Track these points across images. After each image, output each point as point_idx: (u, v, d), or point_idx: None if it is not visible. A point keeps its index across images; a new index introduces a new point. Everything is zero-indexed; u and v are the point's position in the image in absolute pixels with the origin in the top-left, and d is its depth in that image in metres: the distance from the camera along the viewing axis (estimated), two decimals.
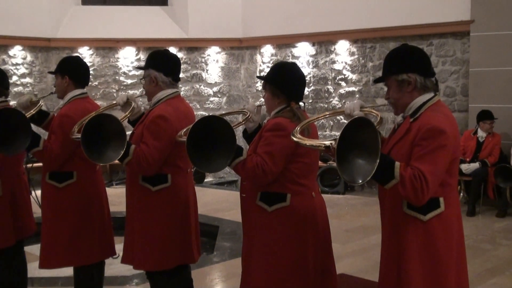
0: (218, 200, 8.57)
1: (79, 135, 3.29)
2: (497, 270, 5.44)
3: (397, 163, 2.44)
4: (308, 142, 2.62)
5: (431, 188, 2.46)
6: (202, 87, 11.37)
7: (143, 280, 4.99)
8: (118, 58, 11.10)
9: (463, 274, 2.70)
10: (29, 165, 4.53)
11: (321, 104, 10.52)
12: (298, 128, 2.74)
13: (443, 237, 2.59)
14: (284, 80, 3.12)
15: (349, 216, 7.86)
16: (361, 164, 2.32)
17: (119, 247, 4.11)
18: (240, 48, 11.47)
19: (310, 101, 10.49)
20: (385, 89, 2.84)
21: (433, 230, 2.58)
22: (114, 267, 5.51)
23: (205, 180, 10.84)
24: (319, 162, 8.74)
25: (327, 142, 2.38)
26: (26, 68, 10.65)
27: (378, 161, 2.27)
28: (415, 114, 2.64)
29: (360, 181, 2.31)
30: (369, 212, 7.84)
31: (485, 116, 7.89)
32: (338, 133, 9.98)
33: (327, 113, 3.22)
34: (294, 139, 2.65)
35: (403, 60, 2.71)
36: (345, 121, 2.36)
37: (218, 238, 6.65)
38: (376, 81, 2.90)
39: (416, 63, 2.69)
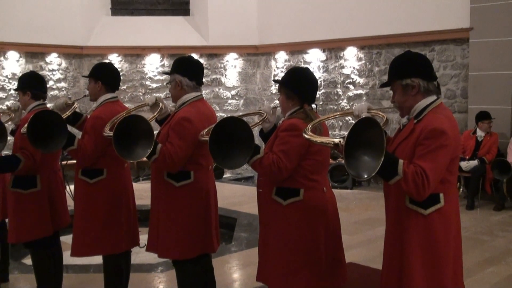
0: (235, 194, 8.60)
1: (110, 133, 3.32)
2: (494, 259, 5.43)
3: (401, 161, 2.45)
4: (318, 139, 2.63)
5: (432, 184, 2.46)
6: (221, 90, 11.39)
7: (168, 268, 5.03)
8: (144, 64, 11.15)
9: (458, 264, 2.71)
10: (64, 162, 4.56)
11: (331, 106, 10.50)
12: (309, 126, 2.74)
13: (442, 230, 2.59)
14: (298, 84, 3.12)
15: (356, 209, 7.85)
16: (367, 160, 2.33)
17: (144, 238, 4.12)
18: (256, 54, 11.48)
19: (321, 103, 10.47)
20: (390, 91, 2.84)
21: (433, 223, 2.58)
22: (141, 255, 5.56)
23: (224, 176, 10.86)
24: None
25: (336, 140, 2.41)
26: (61, 74, 10.74)
27: (383, 158, 2.28)
28: (418, 116, 2.64)
29: (366, 176, 2.32)
30: (375, 205, 7.84)
31: (483, 116, 7.89)
32: (346, 133, 9.93)
33: (337, 113, 3.23)
34: (306, 136, 2.66)
35: (407, 66, 2.70)
36: (353, 122, 2.37)
37: (236, 229, 6.69)
38: (382, 85, 2.89)
39: (419, 68, 2.68)
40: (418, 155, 2.50)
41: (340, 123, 10.27)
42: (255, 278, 3.25)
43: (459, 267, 2.71)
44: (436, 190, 2.54)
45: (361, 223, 6.91)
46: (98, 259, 4.37)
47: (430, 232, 2.58)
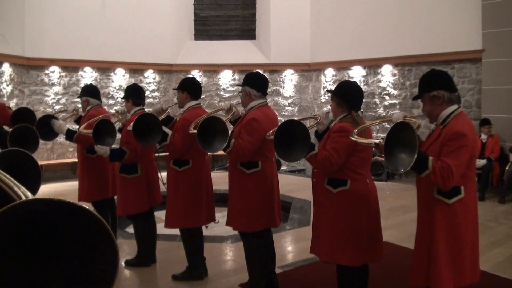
0: (290, 183, 8.54)
1: (195, 131, 3.36)
2: (498, 242, 5.23)
3: (430, 157, 2.47)
4: (362, 140, 2.67)
5: (455, 177, 2.45)
6: (279, 99, 11.36)
7: (236, 240, 5.05)
8: (219, 78, 11.28)
9: (475, 245, 2.67)
10: (156, 154, 4.66)
11: (370, 113, 10.26)
12: (355, 131, 2.74)
13: (463, 217, 2.57)
14: (347, 94, 3.06)
15: (390, 198, 7.62)
16: (403, 157, 2.32)
17: (218, 215, 4.18)
18: (308, 70, 11.37)
19: (362, 111, 10.24)
20: (419, 102, 2.79)
21: (455, 211, 2.56)
22: (215, 229, 5.61)
23: (281, 168, 10.84)
24: None
25: (377, 140, 2.45)
26: (155, 86, 11.01)
27: (416, 155, 2.28)
28: (444, 122, 2.62)
29: (402, 170, 2.34)
30: (406, 195, 7.66)
31: (485, 122, 7.84)
32: (383, 135, 9.77)
33: (379, 120, 3.22)
34: (352, 138, 2.66)
35: (433, 80, 2.69)
36: (388, 126, 2.35)
37: (291, 211, 6.64)
38: (414, 98, 2.86)
39: (443, 82, 2.68)
40: (444, 153, 2.50)
41: (378, 127, 10.03)
42: (306, 250, 3.22)
43: (476, 246, 2.67)
44: (458, 183, 2.53)
45: (394, 209, 6.71)
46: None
47: (453, 218, 2.57)
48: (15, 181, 1.11)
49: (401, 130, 2.28)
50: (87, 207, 0.91)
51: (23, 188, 1.07)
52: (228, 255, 4.82)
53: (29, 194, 1.04)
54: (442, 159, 2.45)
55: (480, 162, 7.62)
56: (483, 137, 7.78)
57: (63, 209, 0.88)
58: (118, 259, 0.93)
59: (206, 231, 4.18)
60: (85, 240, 0.93)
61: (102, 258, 0.93)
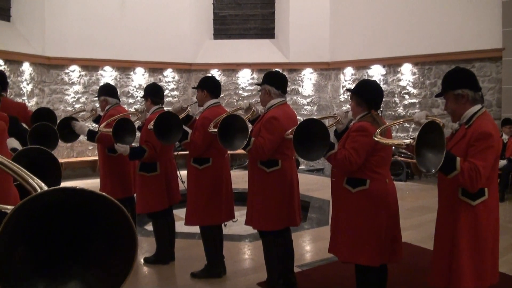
0: (309, 182, 8.52)
1: (215, 130, 3.39)
2: None
3: (458, 158, 2.42)
4: (389, 141, 2.62)
5: (483, 178, 2.42)
6: (298, 98, 11.34)
7: (254, 239, 5.07)
8: (238, 77, 11.31)
9: (496, 247, 2.65)
10: (175, 153, 4.69)
11: (390, 112, 10.17)
12: (378, 131, 2.69)
13: (486, 219, 2.54)
14: (367, 93, 3.05)
15: (409, 198, 7.55)
16: (431, 157, 2.28)
17: (236, 214, 4.18)
18: (327, 69, 11.32)
19: (381, 110, 10.18)
20: (439, 101, 2.75)
21: (479, 213, 2.53)
22: (234, 228, 5.63)
23: (300, 167, 10.82)
24: None
25: (407, 141, 2.39)
26: (174, 85, 11.11)
27: (444, 155, 2.23)
28: (468, 122, 2.58)
29: (433, 171, 2.27)
30: (425, 195, 7.60)
31: (506, 122, 7.71)
32: (402, 134, 9.58)
33: (401, 120, 3.16)
34: (375, 139, 2.61)
35: (458, 78, 2.64)
36: (407, 125, 2.31)
37: (309, 211, 6.61)
38: (438, 95, 2.81)
39: (468, 81, 2.62)
40: (471, 154, 2.46)
41: (397, 127, 9.94)
42: (324, 250, 3.21)
43: (496, 247, 2.65)
44: (482, 185, 2.49)
45: (413, 210, 6.64)
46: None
47: (476, 219, 2.53)
48: (29, 174, 1.14)
49: (430, 130, 2.26)
50: (108, 195, 0.93)
51: (37, 179, 1.11)
52: (246, 254, 4.85)
53: (43, 185, 1.07)
54: (469, 160, 2.42)
55: (500, 163, 7.47)
56: (504, 137, 7.66)
57: (83, 198, 0.91)
58: (136, 246, 0.96)
59: (225, 230, 4.21)
60: (105, 227, 0.95)
61: (121, 246, 0.95)
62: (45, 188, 1.02)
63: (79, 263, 0.95)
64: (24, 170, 1.16)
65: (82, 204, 0.92)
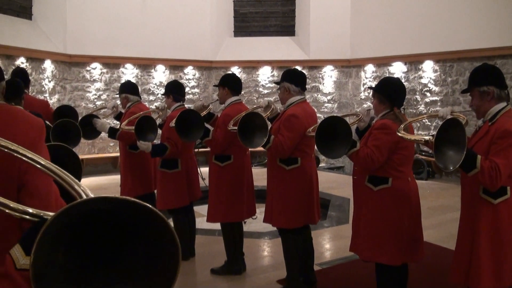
0: (329, 180, 8.50)
1: (234, 128, 3.42)
2: None
3: (479, 156, 2.41)
4: (410, 137, 2.59)
5: (503, 177, 2.41)
6: (319, 96, 11.29)
7: (273, 236, 5.09)
8: (258, 74, 11.32)
9: None
10: (196, 150, 4.74)
11: (411, 110, 10.05)
12: (402, 126, 2.68)
13: (507, 217, 2.53)
14: (389, 91, 3.04)
15: (430, 197, 7.45)
16: (451, 155, 2.27)
17: (256, 211, 4.20)
18: (348, 66, 11.24)
19: (404, 107, 10.07)
20: (460, 99, 2.73)
21: (500, 211, 2.53)
22: (253, 225, 5.66)
23: (320, 165, 10.79)
24: None
25: (426, 137, 2.38)
26: (195, 82, 11.18)
27: (465, 153, 2.23)
28: (492, 119, 2.56)
29: (451, 168, 2.27)
30: (446, 194, 7.51)
31: None
32: (423, 133, 9.45)
33: (425, 116, 3.14)
34: (399, 134, 2.60)
35: (485, 75, 2.62)
36: (429, 123, 2.30)
37: (329, 209, 6.60)
38: (463, 91, 2.79)
39: (494, 78, 2.61)
40: (493, 152, 2.45)
41: (418, 124, 9.83)
42: (344, 248, 3.22)
43: None
44: (504, 183, 2.48)
45: (434, 209, 6.57)
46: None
47: (497, 218, 2.53)
48: (75, 179, 1.14)
49: (451, 127, 2.25)
50: (151, 206, 0.90)
51: (83, 186, 1.11)
52: (266, 251, 4.88)
53: (89, 192, 1.07)
54: (490, 158, 2.41)
55: None
56: None
57: (126, 208, 0.88)
58: (179, 258, 0.91)
59: (244, 227, 4.24)
60: (148, 238, 0.91)
61: (164, 257, 0.91)
62: (91, 195, 1.01)
63: (121, 277, 0.92)
64: (70, 175, 1.16)
65: (127, 216, 0.89)
